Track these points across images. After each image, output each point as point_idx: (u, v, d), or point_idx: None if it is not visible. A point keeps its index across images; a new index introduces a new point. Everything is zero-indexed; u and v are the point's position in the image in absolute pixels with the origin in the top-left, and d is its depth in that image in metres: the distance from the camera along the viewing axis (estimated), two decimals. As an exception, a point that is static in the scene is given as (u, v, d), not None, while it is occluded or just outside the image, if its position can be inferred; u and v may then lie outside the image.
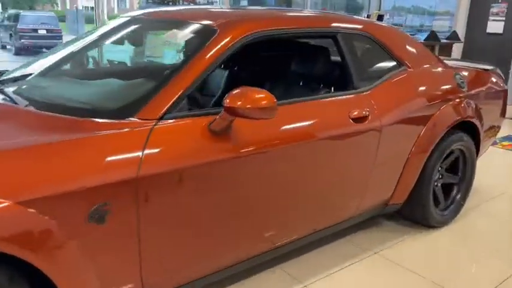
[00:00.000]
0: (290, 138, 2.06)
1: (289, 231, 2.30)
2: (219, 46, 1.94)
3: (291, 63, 2.82)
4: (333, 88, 2.54)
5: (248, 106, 1.71)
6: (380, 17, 8.59)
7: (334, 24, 2.46)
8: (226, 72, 3.18)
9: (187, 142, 1.73)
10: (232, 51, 1.98)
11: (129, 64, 2.59)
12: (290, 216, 2.24)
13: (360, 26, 2.59)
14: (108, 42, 2.40)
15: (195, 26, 2.12)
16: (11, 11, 19.43)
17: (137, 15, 2.46)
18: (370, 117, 2.39)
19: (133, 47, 2.43)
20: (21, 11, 17.93)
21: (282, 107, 2.09)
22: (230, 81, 3.12)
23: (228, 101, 1.72)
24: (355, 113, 2.34)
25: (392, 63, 2.72)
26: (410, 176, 2.81)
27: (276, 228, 2.19)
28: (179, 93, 1.78)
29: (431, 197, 2.96)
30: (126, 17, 2.51)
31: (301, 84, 2.79)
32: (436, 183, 3.04)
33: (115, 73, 2.32)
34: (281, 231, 2.24)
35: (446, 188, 3.16)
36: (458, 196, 3.20)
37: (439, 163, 2.96)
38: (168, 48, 1.99)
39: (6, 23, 17.90)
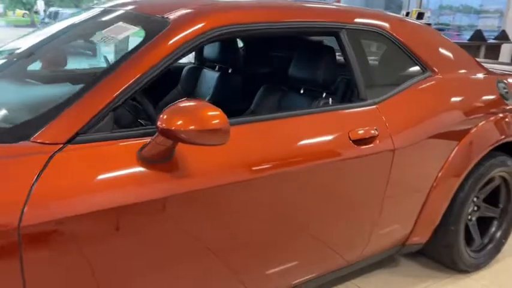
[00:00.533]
0: (262, 167, 1.56)
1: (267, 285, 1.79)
2: (167, 44, 1.46)
3: (289, 65, 2.31)
4: (330, 99, 2.01)
5: (192, 127, 1.24)
6: (420, 15, 7.90)
7: (336, 18, 1.92)
8: (216, 75, 2.71)
9: (106, 175, 1.27)
10: (188, 50, 1.50)
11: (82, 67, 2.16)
12: (267, 267, 1.74)
13: (372, 21, 2.04)
14: (59, 38, 1.97)
15: (144, 19, 1.65)
16: (52, 9, 19.80)
17: (111, 6, 2.01)
18: (379, 137, 1.85)
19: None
20: (60, 9, 18.21)
21: (254, 125, 1.60)
22: (220, 86, 2.65)
23: (164, 118, 1.25)
24: (360, 131, 1.80)
25: (414, 68, 2.15)
26: (435, 209, 2.24)
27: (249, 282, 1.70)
28: (102, 107, 1.32)
29: (462, 234, 2.36)
30: (100, 7, 2.07)
31: (301, 92, 2.27)
32: (470, 217, 2.45)
33: (52, 78, 1.89)
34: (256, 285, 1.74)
35: (483, 223, 2.55)
36: (499, 233, 2.58)
37: (475, 192, 2.36)
38: (106, 47, 1.55)
39: (47, 20, 18.22)
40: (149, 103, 1.70)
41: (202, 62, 2.97)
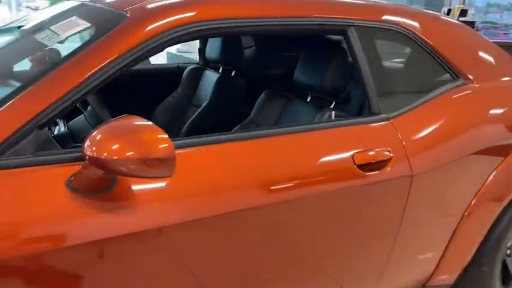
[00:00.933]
0: (238, 199, 1.25)
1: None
2: (117, 45, 1.17)
3: (295, 66, 1.98)
4: (333, 113, 1.67)
5: (129, 154, 0.95)
6: (463, 12, 7.34)
7: (343, 12, 1.58)
8: (216, 76, 2.41)
9: (20, 211, 0.99)
10: (146, 52, 1.19)
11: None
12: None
13: (391, 18, 1.68)
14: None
15: (102, 13, 1.37)
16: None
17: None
18: (393, 160, 1.50)
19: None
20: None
21: (230, 145, 1.29)
22: (219, 90, 2.35)
23: (94, 140, 0.97)
24: (368, 154, 1.46)
25: (443, 75, 1.78)
26: (465, 244, 1.86)
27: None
28: (21, 124, 1.04)
29: (497, 274, 1.97)
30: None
31: (308, 99, 1.94)
32: (509, 252, 2.05)
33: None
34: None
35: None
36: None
37: (516, 223, 1.97)
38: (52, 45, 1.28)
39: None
40: (108, 113, 1.42)
41: (206, 62, 2.68)
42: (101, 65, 1.12)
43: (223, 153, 1.27)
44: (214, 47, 2.43)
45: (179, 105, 2.55)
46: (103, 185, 1.05)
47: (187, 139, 1.25)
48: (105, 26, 1.23)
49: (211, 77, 2.47)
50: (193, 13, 1.29)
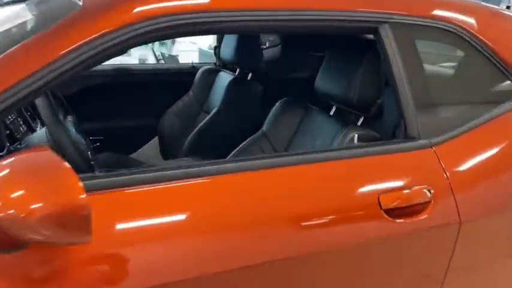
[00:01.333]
0: (222, 256, 0.93)
1: None
2: (72, 38, 0.87)
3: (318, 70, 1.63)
4: (356, 135, 1.31)
5: (32, 207, 0.68)
6: (524, 9, 6.63)
7: (373, 5, 1.20)
8: (228, 80, 2.09)
9: None
10: (94, 55, 0.88)
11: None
12: None
13: (438, 12, 1.29)
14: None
15: (59, 2, 1.07)
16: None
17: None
18: (434, 202, 1.12)
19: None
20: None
21: (211, 181, 0.97)
22: (230, 95, 2.04)
23: None
24: (403, 193, 1.09)
25: (505, 87, 1.38)
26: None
27: None
28: None
29: None
30: None
31: (332, 112, 1.60)
32: None
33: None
34: None
35: None
36: None
37: None
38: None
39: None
40: (63, 127, 1.12)
41: (224, 63, 2.36)
42: (33, 71, 0.82)
43: (205, 189, 0.95)
44: (228, 45, 2.12)
45: (189, 110, 2.26)
46: (14, 242, 0.76)
47: (163, 171, 0.94)
48: (49, 18, 0.93)
49: (224, 80, 2.15)
50: (170, 3, 0.98)
